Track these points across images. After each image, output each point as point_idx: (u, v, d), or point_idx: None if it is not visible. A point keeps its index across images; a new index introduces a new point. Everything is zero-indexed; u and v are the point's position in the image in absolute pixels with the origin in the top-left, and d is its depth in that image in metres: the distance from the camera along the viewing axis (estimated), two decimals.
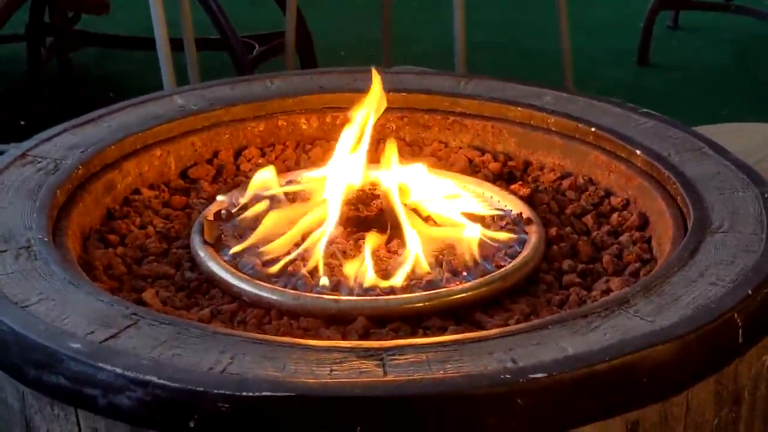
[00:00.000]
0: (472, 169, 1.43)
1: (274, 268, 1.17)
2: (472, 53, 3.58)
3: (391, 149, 1.29)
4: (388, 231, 1.22)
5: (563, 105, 1.47)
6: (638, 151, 1.34)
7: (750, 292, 1.05)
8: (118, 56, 3.51)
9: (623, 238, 1.27)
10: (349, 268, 1.16)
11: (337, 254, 1.19)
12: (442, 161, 1.45)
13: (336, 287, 1.15)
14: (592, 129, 1.40)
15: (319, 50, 3.25)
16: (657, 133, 1.38)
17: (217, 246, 1.22)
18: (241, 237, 1.23)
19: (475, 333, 1.04)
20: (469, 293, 1.14)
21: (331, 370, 0.94)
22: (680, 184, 1.25)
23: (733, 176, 1.27)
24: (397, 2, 3.86)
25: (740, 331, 1.02)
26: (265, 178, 1.29)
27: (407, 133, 1.50)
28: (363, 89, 1.41)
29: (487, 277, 1.17)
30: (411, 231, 1.21)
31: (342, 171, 1.26)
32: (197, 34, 2.90)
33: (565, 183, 1.39)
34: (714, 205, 1.21)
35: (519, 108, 1.47)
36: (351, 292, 1.14)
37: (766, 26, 3.51)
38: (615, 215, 1.32)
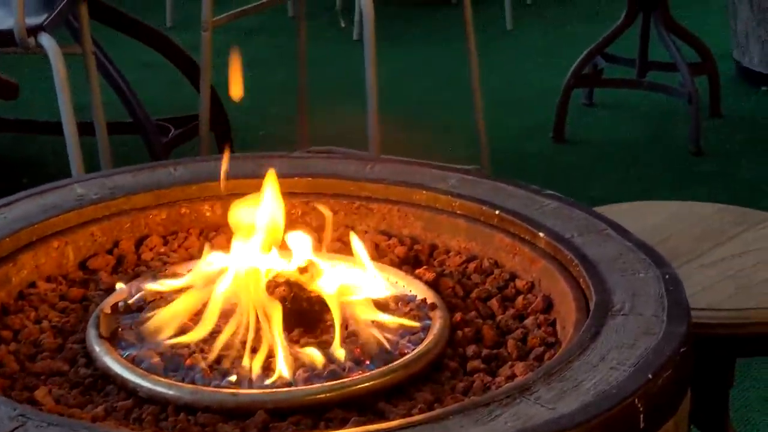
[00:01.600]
0: (378, 254, 1.42)
1: (172, 362, 1.14)
2: (393, 129, 3.62)
3: (295, 235, 1.28)
4: (291, 320, 1.20)
5: (468, 188, 1.47)
6: (541, 233, 1.34)
7: (650, 376, 1.04)
8: (33, 141, 3.47)
9: (528, 321, 1.27)
10: (249, 361, 1.14)
11: (237, 345, 1.17)
12: (349, 246, 1.44)
13: (235, 380, 1.12)
14: (497, 212, 1.40)
15: (238, 130, 3.25)
16: (560, 214, 1.39)
17: (114, 340, 1.19)
18: (139, 330, 1.20)
19: (377, 425, 1.02)
20: (371, 382, 1.12)
21: None
22: (582, 266, 1.25)
23: (634, 257, 1.27)
24: (316, 80, 3.89)
25: (641, 416, 1.02)
26: (169, 269, 1.27)
27: (313, 218, 1.48)
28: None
29: (390, 365, 1.15)
30: (314, 319, 1.19)
31: (242, 259, 1.24)
32: (114, 117, 2.89)
33: (471, 266, 1.38)
34: (615, 287, 1.21)
35: (424, 191, 1.47)
36: (250, 385, 1.11)
37: (678, 102, 3.58)
38: (520, 298, 1.31)
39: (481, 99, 2.98)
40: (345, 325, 1.20)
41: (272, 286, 1.23)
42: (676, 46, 3.55)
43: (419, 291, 1.30)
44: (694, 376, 1.14)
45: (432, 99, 3.93)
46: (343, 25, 3.04)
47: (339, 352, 1.16)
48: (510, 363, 1.18)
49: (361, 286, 1.26)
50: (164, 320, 1.19)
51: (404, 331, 1.21)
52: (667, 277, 1.22)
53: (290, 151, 3.24)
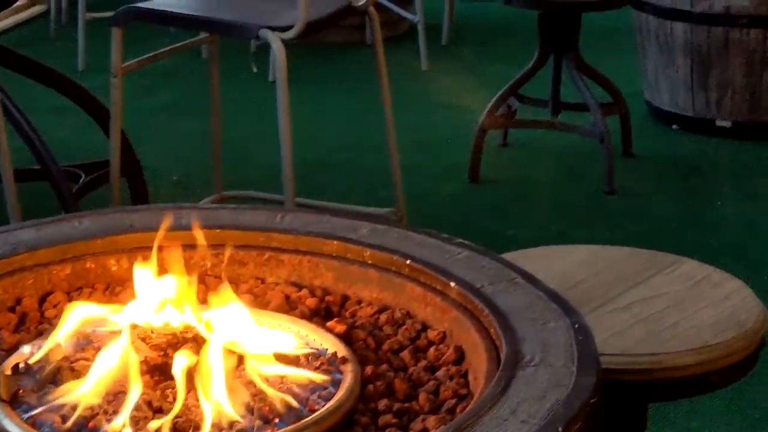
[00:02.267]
0: (288, 306, 1.40)
1: (75, 425, 1.11)
2: (311, 172, 3.61)
3: (207, 290, 1.26)
4: (198, 377, 1.17)
5: (379, 237, 1.46)
6: (452, 283, 1.33)
7: (560, 429, 1.04)
8: None
9: (440, 373, 1.25)
10: (155, 422, 1.11)
11: (142, 406, 1.14)
12: (259, 299, 1.42)
13: None
14: (408, 261, 1.39)
15: (151, 175, 3.21)
16: (471, 263, 1.38)
17: (14, 402, 1.15)
18: (41, 391, 1.17)
19: None
20: None
21: None
22: (493, 316, 1.25)
23: (544, 306, 1.27)
24: (232, 123, 3.86)
25: None
26: (69, 326, 1.23)
27: (222, 270, 1.46)
28: (176, 227, 1.37)
29: (300, 422, 1.13)
30: (220, 376, 1.17)
31: (146, 315, 1.21)
32: (22, 164, 2.83)
33: (383, 317, 1.37)
34: (526, 338, 1.20)
35: (335, 241, 1.45)
36: None
37: (591, 142, 3.62)
38: (432, 349, 1.30)
39: (395, 140, 2.98)
40: (254, 383, 1.18)
41: (177, 343, 1.20)
42: (587, 86, 3.60)
43: (330, 344, 1.28)
44: (606, 421, 1.14)
45: (347, 140, 3.93)
46: (255, 70, 3.03)
47: (248, 410, 1.14)
48: (422, 417, 1.17)
49: (270, 340, 1.24)
50: (66, 381, 1.15)
51: (314, 387, 1.19)
52: (576, 326, 1.22)
53: (207, 195, 3.23)
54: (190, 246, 1.39)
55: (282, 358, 1.22)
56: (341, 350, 1.27)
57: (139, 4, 2.59)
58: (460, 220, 3.34)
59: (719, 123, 3.88)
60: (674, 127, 3.99)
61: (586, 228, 3.27)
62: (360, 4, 2.62)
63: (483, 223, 3.32)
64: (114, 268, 1.44)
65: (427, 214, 3.33)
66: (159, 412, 1.13)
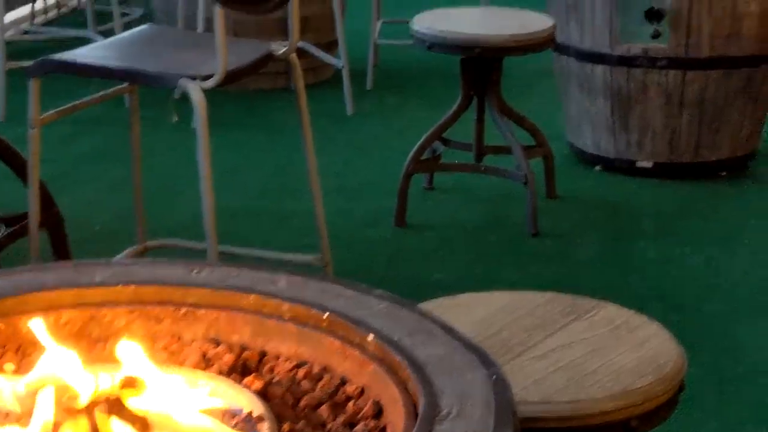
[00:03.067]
0: (205, 363, 1.38)
1: None
2: (235, 219, 3.58)
3: (115, 347, 1.23)
4: None
5: (297, 290, 1.44)
6: (370, 336, 1.32)
7: None
8: None
9: (359, 428, 1.24)
10: None
11: None
12: (175, 356, 1.40)
13: None
14: (326, 314, 1.38)
15: (73, 226, 3.16)
16: (389, 315, 1.37)
17: None
18: None
19: None
20: None
21: None
22: (411, 369, 1.24)
23: (462, 358, 1.26)
24: (155, 170, 3.83)
25: None
26: None
27: (138, 327, 1.44)
28: (92, 283, 1.34)
29: None
30: None
31: (52, 377, 1.18)
32: None
33: (301, 372, 1.36)
34: (443, 390, 1.20)
35: (252, 295, 1.44)
36: None
37: (515, 185, 3.64)
38: (350, 404, 1.29)
39: (320, 186, 2.98)
40: None
41: (90, 406, 1.17)
42: (510, 129, 3.63)
43: (247, 402, 1.26)
44: None
45: (272, 186, 3.91)
46: (175, 119, 3.01)
47: None
48: None
49: (185, 399, 1.22)
50: None
51: None
52: (494, 377, 1.22)
53: (130, 245, 3.19)
54: (102, 304, 1.36)
55: (197, 418, 1.20)
56: (258, 408, 1.25)
57: (57, 56, 2.56)
58: (386, 266, 3.34)
59: (640, 164, 3.94)
60: (597, 168, 4.04)
61: (511, 270, 3.29)
62: (280, 52, 2.62)
63: (409, 267, 3.32)
64: (25, 330, 1.41)
65: (352, 260, 3.33)
66: None
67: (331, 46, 4.88)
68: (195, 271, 1.50)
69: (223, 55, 2.36)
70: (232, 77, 2.44)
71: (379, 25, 5.06)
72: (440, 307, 1.60)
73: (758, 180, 3.96)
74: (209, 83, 2.41)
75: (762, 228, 3.56)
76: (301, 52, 4.81)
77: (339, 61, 4.67)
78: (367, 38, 5.06)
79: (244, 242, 3.26)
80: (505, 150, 3.69)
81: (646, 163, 3.93)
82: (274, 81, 4.79)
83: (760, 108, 3.94)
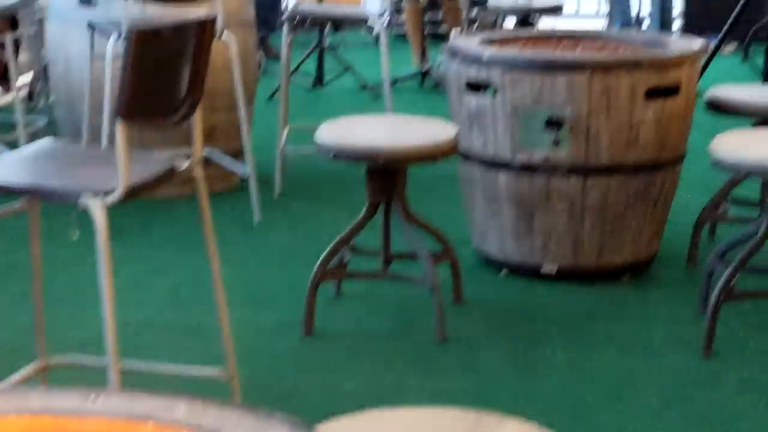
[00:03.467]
0: None
1: None
2: (139, 332, 3.53)
3: None
4: None
5: (197, 416, 1.42)
6: None
7: None
8: None
9: None
10: None
11: None
12: None
13: None
14: None
15: None
16: None
17: None
18: None
19: None
20: None
21: None
22: None
23: None
24: (59, 284, 3.77)
25: None
26: None
27: None
28: None
29: None
30: None
31: None
32: None
33: None
34: None
35: (150, 423, 1.41)
36: None
37: (422, 291, 3.66)
38: None
39: (225, 297, 2.96)
40: None
41: None
42: (416, 236, 3.66)
43: None
44: None
45: (177, 298, 3.87)
46: (76, 236, 2.98)
47: None
48: None
49: None
50: None
51: None
52: None
53: (29, 362, 3.11)
54: None
55: None
56: None
57: None
58: (295, 376, 3.31)
59: (545, 269, 3.99)
60: (503, 273, 4.08)
61: (419, 379, 3.28)
62: (183, 168, 2.62)
63: (318, 378, 3.29)
64: None
65: (260, 372, 3.29)
66: None
67: (238, 154, 4.89)
68: (92, 398, 1.46)
69: (124, 170, 2.35)
70: (133, 193, 2.43)
71: (286, 132, 5.09)
72: (343, 428, 1.59)
73: (660, 283, 4.04)
74: (110, 199, 2.39)
75: (665, 331, 3.62)
76: (207, 161, 4.82)
77: (246, 169, 4.68)
78: (274, 145, 5.09)
79: (149, 356, 3.21)
80: (412, 257, 3.71)
81: (551, 268, 3.98)
82: (181, 189, 4.77)
83: (659, 212, 4.03)
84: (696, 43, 4.09)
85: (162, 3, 4.37)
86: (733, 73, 7.38)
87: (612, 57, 3.97)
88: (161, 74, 2.43)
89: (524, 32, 4.73)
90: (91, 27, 4.51)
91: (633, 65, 3.82)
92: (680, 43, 4.12)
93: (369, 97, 6.88)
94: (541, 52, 4.07)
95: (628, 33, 5.03)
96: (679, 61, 3.90)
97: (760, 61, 6.95)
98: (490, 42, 4.20)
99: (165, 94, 2.42)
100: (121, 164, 2.34)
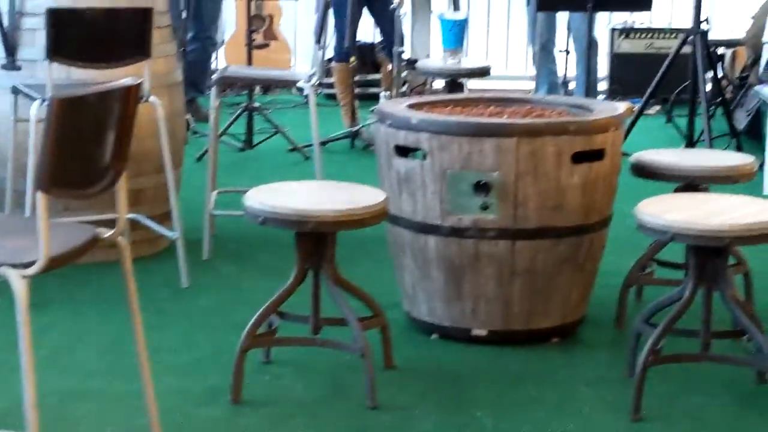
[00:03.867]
0: None
1: None
2: (63, 402, 3.45)
3: None
4: None
5: None
6: None
7: None
8: None
9: None
10: None
11: None
12: None
13: None
14: None
15: None
16: None
17: None
18: None
19: None
20: None
21: None
22: None
23: None
24: None
25: None
26: None
27: None
28: None
29: None
30: None
31: None
32: None
33: None
34: None
35: None
36: None
37: (352, 357, 3.63)
38: None
39: (149, 365, 2.91)
40: None
41: None
42: (346, 302, 3.64)
43: None
44: None
45: (103, 366, 3.79)
46: None
47: None
48: None
49: None
50: None
51: None
52: None
53: None
54: None
55: None
56: None
57: None
58: None
59: (475, 332, 3.99)
60: (433, 337, 4.07)
61: None
62: (107, 236, 2.58)
63: None
64: None
65: None
66: None
67: (166, 217, 4.84)
68: None
69: (45, 242, 2.31)
70: (55, 263, 2.38)
71: (214, 195, 5.06)
72: None
73: (588, 346, 4.05)
74: (31, 271, 2.34)
75: (594, 394, 3.63)
76: (134, 224, 4.77)
77: (173, 233, 4.63)
78: (203, 208, 5.05)
79: (72, 428, 3.14)
80: (342, 322, 3.68)
81: (481, 332, 3.98)
82: (107, 254, 4.69)
83: (586, 276, 4.06)
84: (620, 107, 4.15)
85: (88, 66, 4.33)
86: (658, 134, 7.51)
87: (539, 122, 4.01)
88: (84, 144, 2.40)
89: (452, 96, 4.78)
90: (15, 91, 4.46)
91: (559, 130, 3.86)
92: (605, 107, 4.18)
93: (299, 159, 6.87)
94: (469, 117, 4.10)
95: (554, 97, 5.09)
96: (605, 125, 3.95)
97: (682, 122, 7.08)
98: (419, 106, 4.22)
99: (87, 165, 2.39)
100: (42, 236, 2.30)
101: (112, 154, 2.51)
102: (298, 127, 7.21)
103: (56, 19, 4.16)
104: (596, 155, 3.93)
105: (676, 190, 4.09)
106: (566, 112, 4.23)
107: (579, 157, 3.88)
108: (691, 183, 4.06)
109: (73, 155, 2.39)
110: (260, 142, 7.10)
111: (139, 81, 2.56)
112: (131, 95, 2.55)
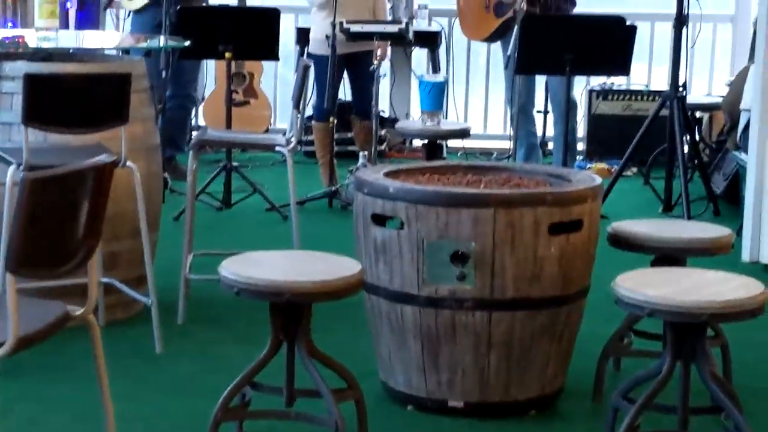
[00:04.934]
0: None
1: None
2: None
3: None
4: None
5: None
6: None
7: None
8: None
9: None
10: None
11: None
12: None
13: None
14: None
15: None
16: None
17: None
18: None
19: None
20: None
21: None
22: None
23: None
24: None
25: None
26: None
27: None
28: None
29: None
30: None
31: None
32: None
33: None
34: None
35: None
36: None
37: (326, 431, 3.59)
38: None
39: None
40: None
41: None
42: (320, 374, 3.59)
43: None
44: None
45: None
46: None
47: None
48: None
49: None
50: None
51: None
52: None
53: None
54: None
55: None
56: None
57: None
58: None
59: (452, 403, 3.95)
60: (409, 408, 4.03)
61: None
62: (78, 314, 2.54)
63: None
64: None
65: None
66: None
67: (141, 281, 4.80)
68: None
69: (14, 323, 2.27)
70: (23, 344, 2.34)
71: (190, 259, 5.02)
72: None
73: (565, 419, 4.02)
74: (1, 352, 2.30)
75: None
76: (109, 288, 4.73)
77: (148, 298, 4.58)
78: (179, 271, 5.01)
79: None
80: (317, 393, 3.63)
81: (458, 403, 3.95)
82: (79, 321, 4.66)
83: (564, 346, 4.03)
84: (598, 178, 4.15)
85: (65, 131, 4.31)
86: (635, 197, 7.52)
87: (516, 192, 4.01)
88: (56, 223, 2.37)
89: (430, 163, 4.77)
90: None
91: (537, 201, 3.85)
92: (583, 177, 4.18)
93: (277, 219, 6.84)
94: (446, 187, 4.09)
95: (532, 166, 5.09)
96: (582, 196, 3.95)
97: (660, 185, 7.10)
98: (396, 174, 4.21)
99: (59, 244, 2.36)
100: (11, 317, 2.26)
101: (85, 232, 2.49)
102: (276, 184, 7.19)
103: (33, 84, 4.14)
104: (574, 226, 3.92)
105: (653, 262, 4.08)
106: (544, 181, 4.22)
107: (556, 228, 3.87)
108: (669, 255, 4.05)
109: (45, 235, 2.36)
110: (238, 201, 7.07)
111: (113, 159, 2.53)
112: (106, 172, 2.53)
